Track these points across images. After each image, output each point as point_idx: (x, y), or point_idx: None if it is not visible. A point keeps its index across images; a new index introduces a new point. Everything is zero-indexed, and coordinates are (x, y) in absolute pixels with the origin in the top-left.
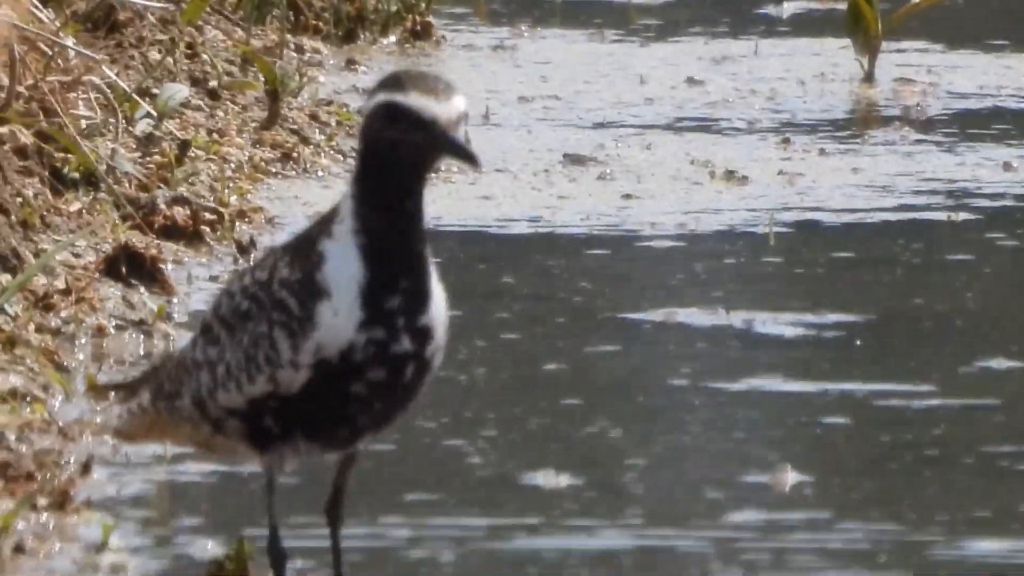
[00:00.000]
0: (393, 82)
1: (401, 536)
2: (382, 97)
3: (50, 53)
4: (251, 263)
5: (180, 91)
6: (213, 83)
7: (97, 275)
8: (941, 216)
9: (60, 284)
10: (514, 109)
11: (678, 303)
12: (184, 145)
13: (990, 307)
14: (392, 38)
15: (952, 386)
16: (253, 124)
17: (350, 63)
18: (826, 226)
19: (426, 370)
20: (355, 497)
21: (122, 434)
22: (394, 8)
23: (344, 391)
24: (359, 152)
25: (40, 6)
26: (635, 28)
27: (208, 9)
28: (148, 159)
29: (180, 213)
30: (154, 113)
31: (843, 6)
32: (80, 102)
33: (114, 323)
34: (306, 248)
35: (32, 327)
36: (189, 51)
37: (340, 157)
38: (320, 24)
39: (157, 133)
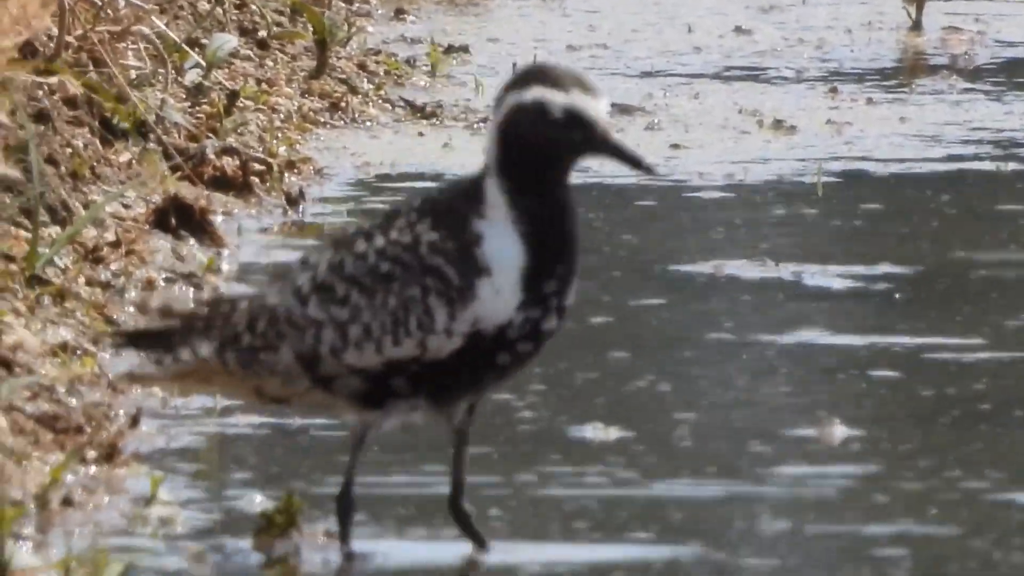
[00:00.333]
0: (544, 77)
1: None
2: (538, 93)
3: (99, 3)
4: (366, 225)
5: (229, 41)
6: (262, 33)
7: (147, 227)
8: (989, 166)
9: (110, 236)
10: (562, 58)
11: (726, 255)
12: (233, 95)
13: None
14: None
15: (1001, 339)
16: (302, 74)
17: (399, 12)
18: (873, 176)
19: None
20: (402, 448)
21: (150, 381)
22: None
23: (490, 361)
24: (504, 141)
25: None
26: None
27: None
28: (197, 109)
29: (229, 164)
30: (203, 63)
31: None
32: (129, 52)
33: (164, 275)
34: (453, 222)
35: (82, 280)
36: (238, 1)
37: (388, 107)
38: None
39: (206, 83)
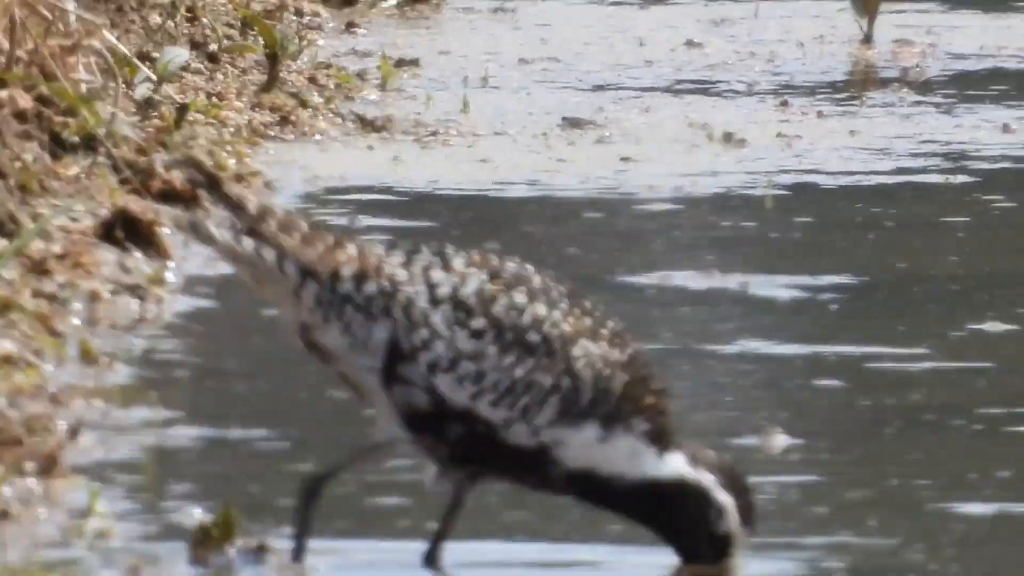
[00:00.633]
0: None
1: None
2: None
3: (50, 17)
4: (523, 269)
5: (180, 55)
6: (213, 47)
7: (94, 240)
8: (939, 179)
9: (57, 249)
10: (513, 71)
11: (674, 266)
12: (182, 109)
13: (986, 270)
14: (392, 1)
15: (946, 349)
16: (252, 87)
17: (350, 26)
18: (823, 188)
19: None
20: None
21: (212, 242)
22: None
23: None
24: None
25: None
26: None
27: None
28: (147, 123)
29: (178, 177)
30: (154, 77)
31: None
32: (80, 66)
33: (109, 288)
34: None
35: (28, 292)
36: (189, 15)
37: (338, 120)
38: None
39: (156, 97)
